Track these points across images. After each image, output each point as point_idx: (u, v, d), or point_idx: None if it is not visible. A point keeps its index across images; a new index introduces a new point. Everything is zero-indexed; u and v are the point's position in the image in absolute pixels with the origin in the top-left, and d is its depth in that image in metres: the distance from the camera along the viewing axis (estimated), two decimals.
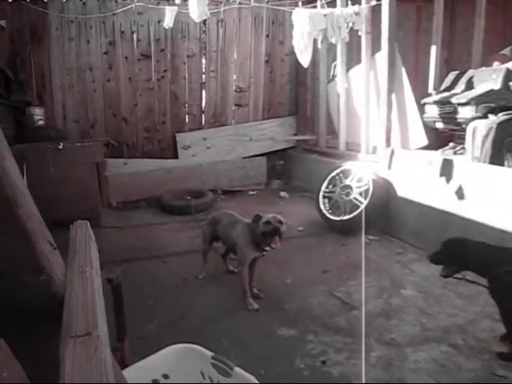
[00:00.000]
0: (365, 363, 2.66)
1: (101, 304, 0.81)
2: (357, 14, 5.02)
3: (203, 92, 7.24)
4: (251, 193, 7.24)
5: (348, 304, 3.44)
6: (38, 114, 5.81)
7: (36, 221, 0.87)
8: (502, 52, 4.90)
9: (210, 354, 1.93)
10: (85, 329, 0.67)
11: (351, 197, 5.06)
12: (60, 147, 5.16)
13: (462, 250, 2.79)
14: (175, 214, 6.08)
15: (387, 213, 4.94)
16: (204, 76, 7.20)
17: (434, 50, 5.43)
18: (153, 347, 2.00)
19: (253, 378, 1.78)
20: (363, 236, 4.62)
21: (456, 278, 3.71)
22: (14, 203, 0.79)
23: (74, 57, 6.45)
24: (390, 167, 5.02)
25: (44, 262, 0.85)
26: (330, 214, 5.20)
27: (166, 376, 1.93)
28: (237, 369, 1.84)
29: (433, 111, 4.90)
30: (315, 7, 5.61)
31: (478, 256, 2.73)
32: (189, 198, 6.39)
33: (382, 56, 5.22)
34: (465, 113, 4.41)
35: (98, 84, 6.64)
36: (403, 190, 4.80)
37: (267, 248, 3.36)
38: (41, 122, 5.83)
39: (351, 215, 4.90)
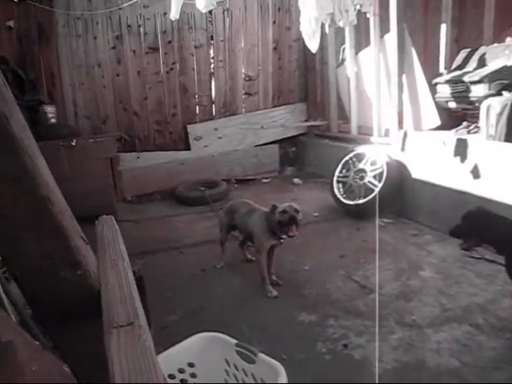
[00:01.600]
0: (386, 345, 2.69)
1: (137, 296, 0.83)
2: None
3: (212, 82, 7.23)
4: (265, 181, 7.24)
5: (366, 287, 3.46)
6: (49, 112, 5.84)
7: (68, 217, 0.90)
8: None
9: (234, 341, 1.96)
10: (126, 319, 0.70)
11: (365, 180, 5.05)
12: (73, 144, 5.21)
13: (482, 223, 2.68)
14: (190, 205, 6.11)
15: (402, 195, 4.92)
16: (212, 66, 7.19)
17: (443, 28, 5.35)
18: (176, 337, 2.04)
19: (278, 364, 1.80)
20: (377, 219, 4.61)
21: (474, 257, 3.71)
22: (48, 201, 0.81)
23: (83, 53, 6.46)
24: (403, 149, 4.99)
25: (80, 256, 0.88)
26: (344, 198, 5.20)
27: (191, 365, 1.97)
28: (261, 355, 1.87)
29: (445, 91, 4.83)
30: None
31: (497, 231, 2.62)
32: (203, 188, 6.41)
33: (391, 37, 5.17)
34: (478, 91, 4.34)
35: (107, 79, 6.66)
36: (417, 172, 4.77)
37: (284, 236, 3.38)
38: (53, 120, 5.87)
39: (366, 199, 4.90)
